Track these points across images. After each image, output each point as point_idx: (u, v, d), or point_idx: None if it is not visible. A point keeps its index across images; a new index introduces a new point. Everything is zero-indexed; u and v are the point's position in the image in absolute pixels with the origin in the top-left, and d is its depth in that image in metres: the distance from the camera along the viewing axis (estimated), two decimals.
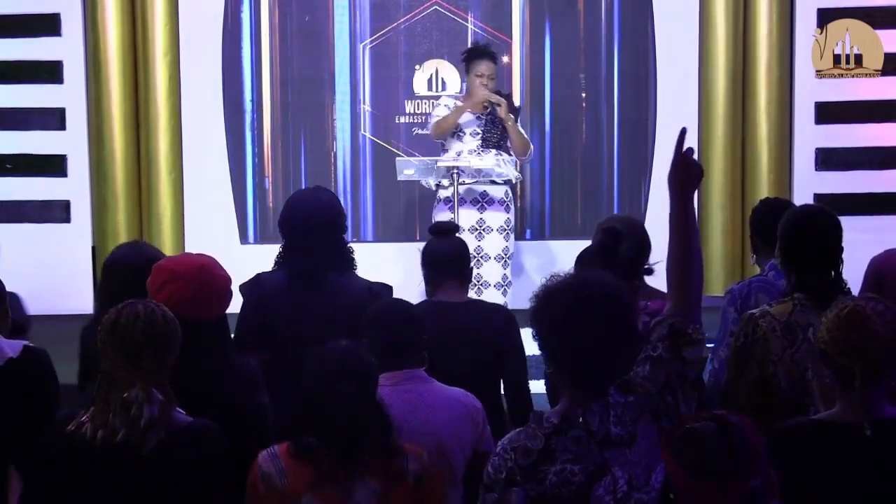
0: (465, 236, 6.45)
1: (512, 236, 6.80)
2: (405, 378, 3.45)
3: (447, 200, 6.62)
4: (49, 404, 3.51)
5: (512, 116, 6.59)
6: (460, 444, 3.44)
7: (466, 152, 6.58)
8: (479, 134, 6.63)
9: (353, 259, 4.17)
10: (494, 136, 6.62)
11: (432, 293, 4.23)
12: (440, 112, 6.69)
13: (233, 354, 3.47)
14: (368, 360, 3.09)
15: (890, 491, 2.83)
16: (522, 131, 6.73)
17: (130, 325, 2.90)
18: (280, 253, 4.19)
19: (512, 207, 6.79)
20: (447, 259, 4.24)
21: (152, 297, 3.28)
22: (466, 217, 6.55)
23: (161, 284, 3.30)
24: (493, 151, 6.58)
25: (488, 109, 6.59)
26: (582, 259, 3.92)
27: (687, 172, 2.80)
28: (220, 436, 2.96)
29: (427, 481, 3.02)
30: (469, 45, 7.81)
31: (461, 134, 6.66)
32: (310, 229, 4.07)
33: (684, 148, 2.81)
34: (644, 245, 4.23)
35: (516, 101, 6.92)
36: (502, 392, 4.20)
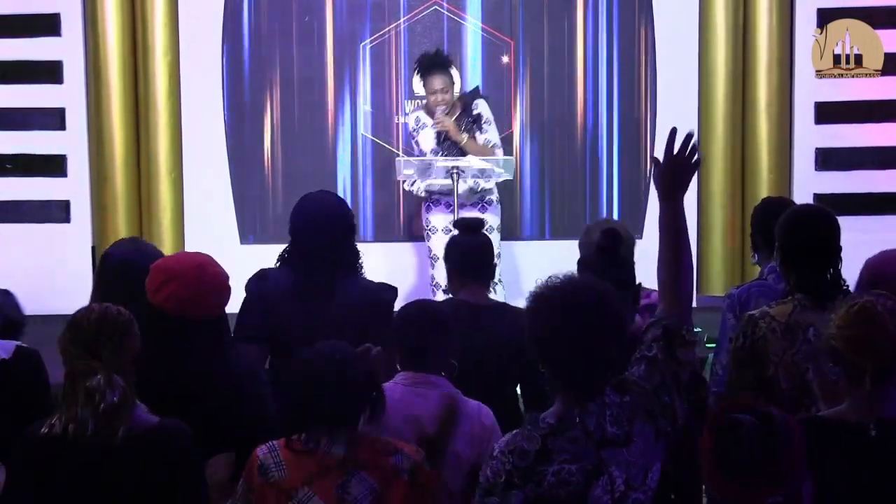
0: (440, 237, 6.46)
1: (493, 235, 6.66)
2: (420, 381, 3.39)
3: (436, 202, 6.63)
4: (41, 405, 3.51)
5: (465, 135, 6.51)
6: (457, 463, 3.34)
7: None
8: (438, 152, 6.58)
9: (360, 263, 4.11)
10: (455, 151, 6.56)
11: (456, 291, 4.20)
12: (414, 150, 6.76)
13: (231, 350, 3.47)
14: (362, 363, 3.07)
15: (892, 490, 2.83)
16: (484, 141, 6.58)
17: (84, 318, 2.98)
18: (286, 253, 4.10)
19: (490, 209, 6.70)
20: (470, 257, 4.18)
21: (151, 297, 3.30)
22: (443, 219, 6.55)
23: (160, 284, 3.31)
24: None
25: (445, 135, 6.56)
26: (584, 263, 3.86)
27: (681, 173, 2.82)
28: (189, 434, 2.99)
29: (421, 477, 3.01)
30: (468, 45, 7.83)
31: (422, 153, 6.69)
32: (319, 239, 4.00)
33: (676, 150, 2.83)
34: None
35: (483, 109, 6.66)
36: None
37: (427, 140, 6.69)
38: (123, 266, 3.66)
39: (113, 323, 2.97)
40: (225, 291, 3.41)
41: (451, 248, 4.27)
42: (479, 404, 3.46)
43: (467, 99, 6.71)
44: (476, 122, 6.60)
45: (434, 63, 6.61)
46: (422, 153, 6.70)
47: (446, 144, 6.59)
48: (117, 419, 2.90)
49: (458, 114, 6.59)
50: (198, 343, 3.31)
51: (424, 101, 6.80)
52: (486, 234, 4.36)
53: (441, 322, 3.51)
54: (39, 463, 2.96)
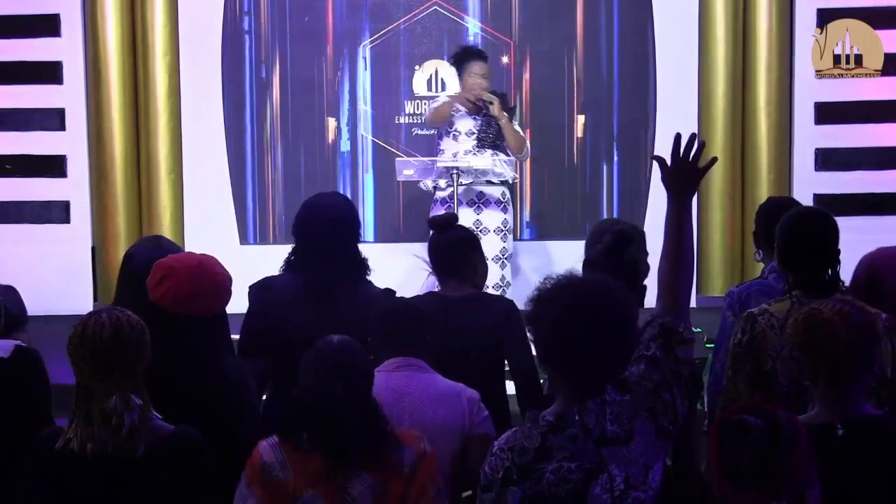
0: None
1: (510, 237, 6.82)
2: (404, 364, 3.48)
3: (444, 201, 6.65)
4: (41, 404, 3.50)
5: (505, 114, 6.65)
6: (446, 434, 3.41)
7: (462, 153, 6.61)
8: (474, 134, 6.67)
9: (367, 268, 4.09)
10: (490, 137, 6.65)
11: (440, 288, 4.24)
12: (439, 103, 6.81)
13: (226, 353, 3.47)
14: (362, 355, 3.10)
15: (861, 490, 2.84)
16: (518, 129, 6.79)
17: (97, 336, 2.90)
18: (291, 256, 4.07)
19: (510, 208, 6.82)
20: (442, 253, 4.22)
21: (151, 294, 3.30)
22: (463, 218, 6.56)
23: (160, 280, 3.33)
24: (489, 152, 6.61)
25: (483, 111, 6.62)
26: (590, 264, 3.84)
27: (688, 176, 2.84)
28: (205, 442, 2.97)
29: (421, 468, 3.02)
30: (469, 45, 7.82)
31: (456, 134, 6.70)
32: (327, 240, 3.98)
33: (682, 152, 2.84)
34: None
35: (510, 102, 6.95)
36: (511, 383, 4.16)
37: (465, 123, 6.71)
38: (148, 266, 3.65)
39: (127, 340, 2.91)
40: (223, 292, 3.40)
41: (428, 248, 4.32)
42: (456, 383, 3.55)
43: (500, 94, 6.83)
44: (511, 112, 6.78)
45: (476, 52, 6.86)
46: (454, 133, 6.70)
47: (480, 121, 6.65)
48: (137, 437, 2.88)
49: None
50: (193, 341, 3.31)
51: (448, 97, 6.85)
52: (462, 229, 4.36)
53: (415, 312, 3.62)
54: (57, 477, 2.92)
